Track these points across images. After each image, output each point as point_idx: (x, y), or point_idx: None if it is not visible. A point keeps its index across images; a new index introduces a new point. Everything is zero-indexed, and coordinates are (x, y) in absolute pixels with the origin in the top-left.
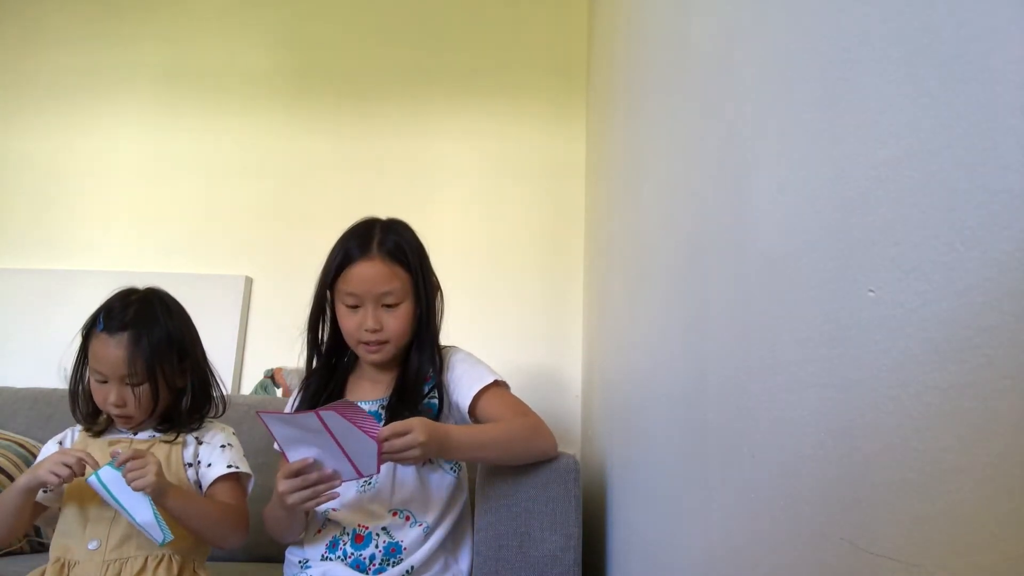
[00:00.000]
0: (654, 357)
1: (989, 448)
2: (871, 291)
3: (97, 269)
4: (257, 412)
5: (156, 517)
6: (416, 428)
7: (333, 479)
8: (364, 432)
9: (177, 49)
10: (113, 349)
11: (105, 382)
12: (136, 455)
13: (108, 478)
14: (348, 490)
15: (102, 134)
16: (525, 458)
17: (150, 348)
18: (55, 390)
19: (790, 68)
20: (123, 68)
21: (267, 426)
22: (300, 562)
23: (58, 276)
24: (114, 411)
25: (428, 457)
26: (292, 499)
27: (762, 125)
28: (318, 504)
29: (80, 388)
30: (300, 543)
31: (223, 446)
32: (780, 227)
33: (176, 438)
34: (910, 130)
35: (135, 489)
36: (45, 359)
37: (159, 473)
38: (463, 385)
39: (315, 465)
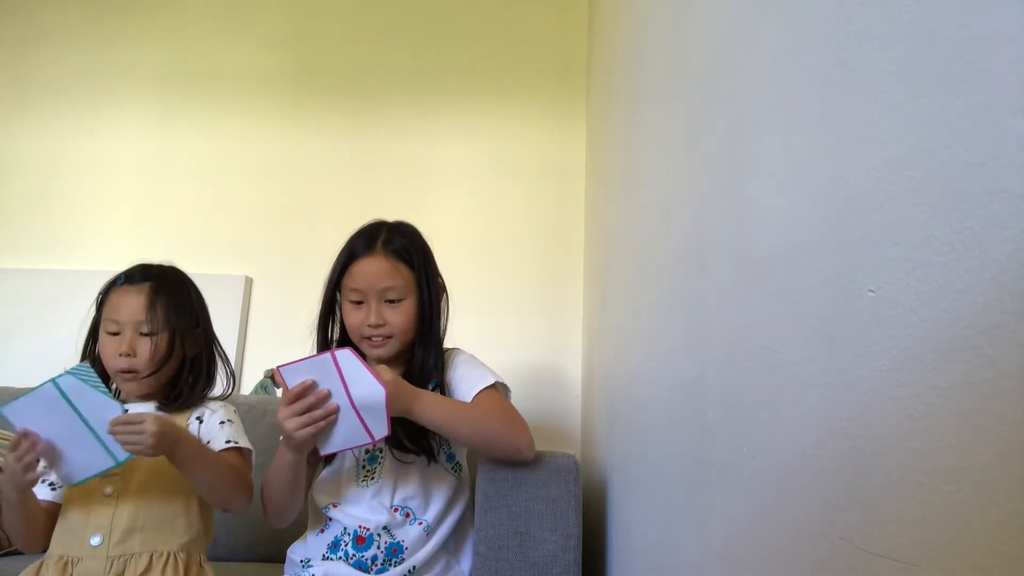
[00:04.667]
0: (654, 357)
1: (989, 448)
2: (871, 291)
3: (97, 269)
4: (276, 367)
5: None
6: (384, 370)
7: (330, 407)
8: (374, 376)
9: (177, 49)
10: (134, 296)
11: (118, 333)
12: (131, 418)
13: (69, 386)
14: (348, 484)
15: (102, 134)
16: (495, 447)
17: (171, 300)
18: None
19: (790, 68)
20: (123, 68)
21: (283, 380)
22: (302, 561)
23: (58, 276)
24: (121, 363)
25: (398, 406)
26: (289, 424)
27: (762, 125)
28: (315, 432)
29: (90, 362)
30: (303, 540)
31: (222, 422)
32: (780, 227)
33: (180, 416)
34: (910, 130)
35: (128, 451)
36: (45, 359)
37: (159, 433)
38: (465, 383)
39: (314, 389)
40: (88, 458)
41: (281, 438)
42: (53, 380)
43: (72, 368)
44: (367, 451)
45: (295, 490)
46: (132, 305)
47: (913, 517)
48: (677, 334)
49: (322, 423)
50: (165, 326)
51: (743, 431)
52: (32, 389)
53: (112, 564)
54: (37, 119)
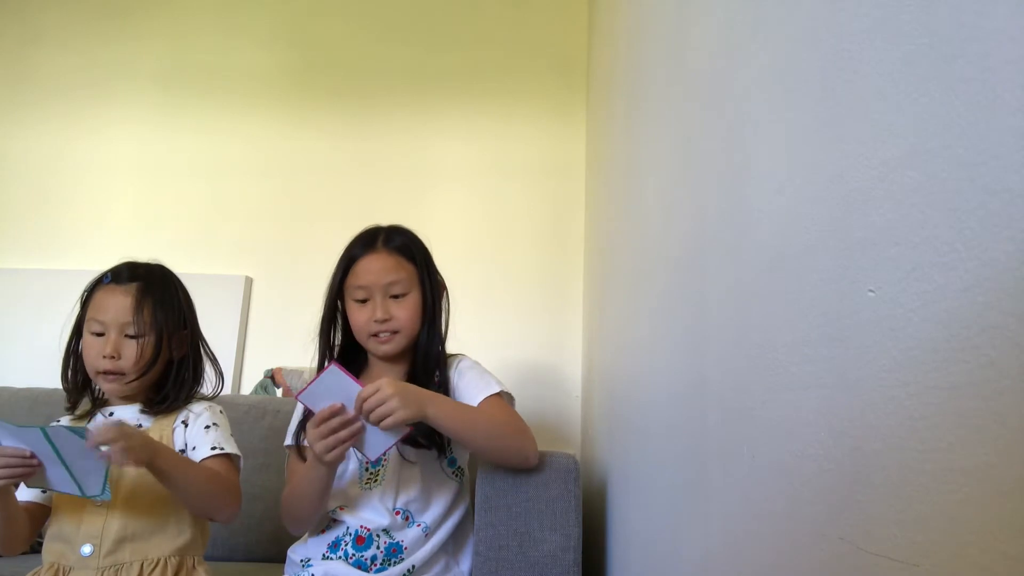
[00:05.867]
0: (654, 357)
1: (989, 448)
2: (871, 291)
3: (97, 269)
4: (296, 396)
5: (104, 478)
6: (382, 384)
7: (355, 428)
8: (358, 383)
9: (177, 48)
10: (120, 296)
11: (102, 334)
12: (101, 432)
13: (55, 433)
14: (352, 488)
15: (102, 133)
16: (505, 453)
17: (159, 301)
18: (55, 390)
19: (790, 68)
20: (123, 67)
21: (306, 407)
22: (302, 561)
23: (58, 276)
24: (105, 365)
25: (411, 413)
26: (318, 447)
27: (762, 125)
28: (343, 451)
29: (72, 359)
30: (304, 540)
31: (207, 427)
32: (780, 227)
33: (165, 420)
34: (910, 130)
35: (108, 463)
36: (44, 359)
37: (139, 447)
38: (471, 389)
39: (341, 412)
40: (53, 478)
41: (298, 448)
42: (43, 428)
43: (67, 425)
44: None
45: (323, 500)
46: (118, 306)
47: (913, 517)
48: (677, 334)
49: (348, 442)
50: (152, 328)
51: (743, 431)
52: (22, 425)
53: (103, 574)
54: (37, 119)
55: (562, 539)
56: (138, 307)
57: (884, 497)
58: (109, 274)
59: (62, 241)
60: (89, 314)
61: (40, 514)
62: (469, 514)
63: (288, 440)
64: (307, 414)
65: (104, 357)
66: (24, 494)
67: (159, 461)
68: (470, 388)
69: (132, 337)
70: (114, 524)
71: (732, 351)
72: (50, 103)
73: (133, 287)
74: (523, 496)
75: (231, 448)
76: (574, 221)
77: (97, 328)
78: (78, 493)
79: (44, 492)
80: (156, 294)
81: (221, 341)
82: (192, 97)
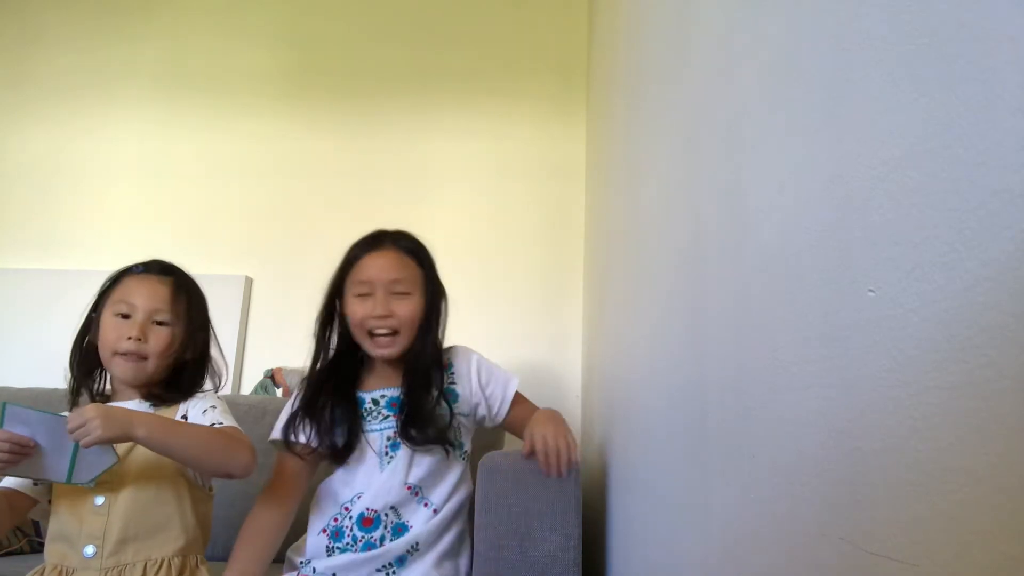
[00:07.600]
0: (654, 357)
1: (989, 448)
2: (871, 291)
3: (97, 269)
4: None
5: (100, 473)
6: None
7: None
8: None
9: (177, 48)
10: (156, 284)
11: (128, 316)
12: (72, 417)
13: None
14: (372, 473)
15: (102, 134)
16: None
17: (193, 296)
18: (55, 390)
19: (790, 68)
20: (123, 67)
21: None
22: (301, 562)
23: (58, 276)
24: (128, 346)
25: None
26: None
27: (762, 125)
28: None
29: (85, 343)
30: (303, 541)
31: (204, 411)
32: (780, 227)
33: (166, 412)
34: (910, 130)
35: (86, 444)
36: (45, 359)
37: (102, 415)
38: (498, 388)
39: None
40: (49, 465)
41: (287, 443)
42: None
43: None
44: (388, 438)
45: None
46: (152, 291)
47: (913, 517)
48: (677, 334)
49: None
50: (180, 320)
51: (743, 431)
52: (46, 411)
53: (106, 575)
54: (37, 119)
55: (562, 539)
56: (175, 297)
57: (884, 497)
58: (141, 265)
59: (62, 241)
60: (117, 296)
61: (21, 503)
62: (467, 501)
63: (275, 434)
64: (295, 409)
65: (129, 339)
66: (7, 481)
67: (139, 430)
68: (496, 385)
69: (161, 324)
70: (116, 524)
71: (732, 351)
72: (50, 103)
73: (170, 279)
74: (523, 496)
75: (229, 422)
76: (574, 221)
77: (124, 309)
78: (64, 480)
79: (36, 484)
80: (191, 291)
81: (221, 341)
82: (192, 97)
